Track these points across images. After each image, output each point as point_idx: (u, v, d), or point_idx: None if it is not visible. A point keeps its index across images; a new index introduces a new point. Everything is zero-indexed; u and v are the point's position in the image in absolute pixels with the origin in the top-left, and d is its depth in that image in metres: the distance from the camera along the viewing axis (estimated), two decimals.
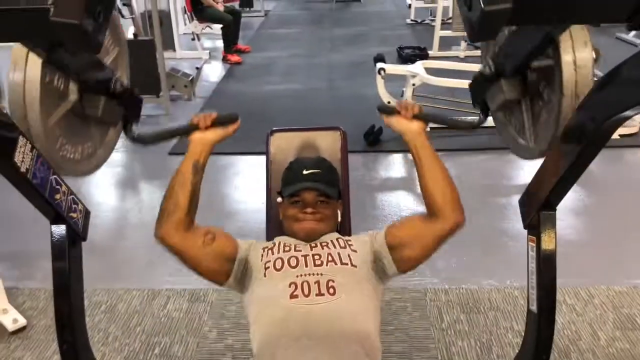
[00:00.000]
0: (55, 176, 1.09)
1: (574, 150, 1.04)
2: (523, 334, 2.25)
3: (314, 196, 1.57)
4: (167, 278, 2.65)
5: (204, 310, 2.42)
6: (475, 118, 1.46)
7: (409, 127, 1.48)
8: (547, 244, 1.19)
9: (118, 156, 4.19)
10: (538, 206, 1.19)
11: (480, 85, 1.37)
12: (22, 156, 0.97)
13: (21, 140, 0.97)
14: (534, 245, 1.21)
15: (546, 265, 1.19)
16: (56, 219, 1.14)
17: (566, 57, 1.08)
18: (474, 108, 1.46)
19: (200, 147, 1.48)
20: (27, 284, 2.63)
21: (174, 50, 6.92)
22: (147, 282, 2.64)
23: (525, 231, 2.96)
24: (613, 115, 0.93)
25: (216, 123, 1.50)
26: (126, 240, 3.05)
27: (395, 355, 2.13)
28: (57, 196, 1.10)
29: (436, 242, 1.43)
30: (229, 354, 2.18)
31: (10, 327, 2.30)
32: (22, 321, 2.33)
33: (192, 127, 1.49)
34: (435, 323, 2.31)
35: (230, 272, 1.48)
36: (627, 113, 0.93)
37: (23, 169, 0.97)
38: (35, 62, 1.08)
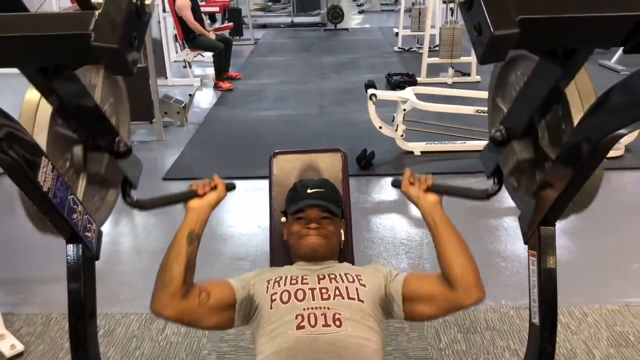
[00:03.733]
0: (72, 196, 1.12)
1: (572, 168, 1.09)
2: (520, 353, 2.29)
3: (317, 212, 1.61)
4: None
5: (202, 334, 2.42)
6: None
7: (425, 199, 1.50)
8: (547, 257, 1.23)
9: None
10: (538, 222, 1.23)
11: (491, 153, 1.38)
12: (45, 176, 1.00)
13: (44, 161, 1.00)
14: (535, 259, 1.25)
15: (547, 279, 1.23)
16: (72, 238, 1.17)
17: (576, 113, 1.13)
18: (488, 179, 1.44)
19: (197, 216, 1.47)
20: (24, 310, 2.62)
21: (166, 77, 7.00)
22: (144, 306, 2.62)
23: (518, 252, 3.01)
24: (606, 135, 0.99)
25: (214, 189, 1.52)
26: (122, 265, 3.05)
27: None
28: (74, 215, 1.13)
29: (452, 309, 1.44)
30: None
31: (8, 352, 2.28)
32: (19, 347, 2.31)
33: (191, 194, 1.50)
34: (433, 343, 2.33)
35: (233, 317, 1.49)
36: (621, 132, 0.98)
37: (45, 189, 1.00)
38: (45, 110, 1.12)
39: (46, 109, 1.13)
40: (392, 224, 3.43)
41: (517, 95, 1.26)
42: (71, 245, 1.18)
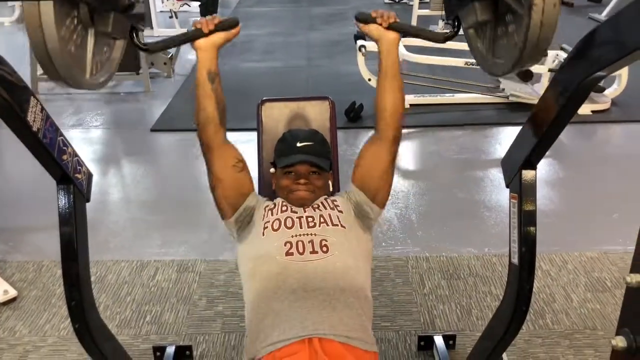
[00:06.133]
0: (62, 137, 1.13)
1: (553, 110, 1.11)
2: (501, 297, 2.37)
3: (307, 168, 1.64)
4: (154, 250, 2.70)
5: (192, 280, 2.48)
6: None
7: (386, 36, 1.54)
8: (528, 199, 1.26)
9: (100, 133, 4.18)
10: (520, 165, 1.26)
11: (454, 3, 1.40)
12: (34, 116, 1.01)
13: (32, 101, 1.00)
14: (516, 202, 1.28)
15: (527, 220, 1.27)
16: (62, 179, 1.18)
17: (535, 15, 1.11)
18: (447, 21, 1.48)
19: (208, 55, 1.50)
20: (15, 257, 2.65)
21: (152, 28, 6.86)
22: (135, 254, 2.68)
23: (502, 203, 3.06)
24: (586, 77, 1.01)
25: (218, 28, 1.50)
26: (112, 215, 3.07)
27: (380, 318, 2.21)
28: (64, 157, 1.14)
29: (389, 158, 1.58)
30: (219, 320, 2.24)
31: (1, 297, 2.32)
32: (12, 292, 2.35)
33: (196, 32, 1.49)
34: (418, 289, 2.40)
35: (237, 208, 1.59)
36: (600, 74, 1.01)
37: (35, 129, 1.01)
38: None
39: None
40: None
41: None
42: (62, 186, 1.19)
